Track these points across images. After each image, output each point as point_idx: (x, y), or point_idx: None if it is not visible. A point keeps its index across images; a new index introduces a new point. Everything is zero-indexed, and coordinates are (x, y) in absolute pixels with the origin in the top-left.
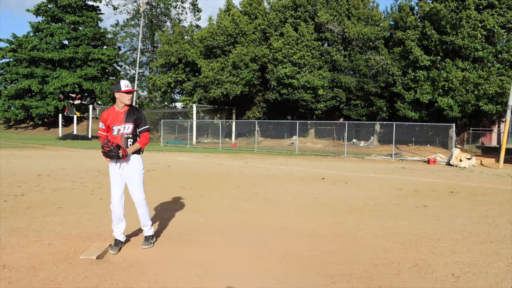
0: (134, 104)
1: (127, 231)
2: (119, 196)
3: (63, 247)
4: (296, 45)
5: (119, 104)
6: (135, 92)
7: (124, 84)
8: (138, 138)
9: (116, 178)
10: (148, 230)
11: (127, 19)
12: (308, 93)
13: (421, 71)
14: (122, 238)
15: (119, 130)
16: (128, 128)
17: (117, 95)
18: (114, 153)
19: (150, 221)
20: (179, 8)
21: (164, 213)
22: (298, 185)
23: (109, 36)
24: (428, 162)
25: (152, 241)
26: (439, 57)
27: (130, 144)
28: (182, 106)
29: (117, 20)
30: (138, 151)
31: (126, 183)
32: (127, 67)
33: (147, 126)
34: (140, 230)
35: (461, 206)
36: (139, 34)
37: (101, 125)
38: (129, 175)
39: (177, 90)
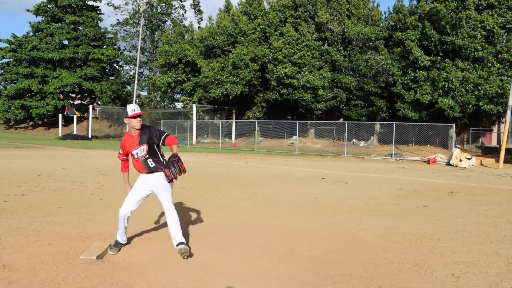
0: (135, 103)
1: (128, 232)
2: (134, 208)
3: (63, 247)
4: (296, 45)
5: (131, 129)
6: (135, 93)
7: (131, 109)
8: (159, 153)
9: (141, 190)
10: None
11: (127, 18)
12: (308, 93)
13: (421, 71)
14: (123, 241)
15: (137, 153)
16: (143, 149)
17: (126, 121)
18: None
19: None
20: (180, 8)
21: (164, 213)
22: (298, 185)
23: (109, 36)
24: (428, 162)
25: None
26: (439, 57)
27: (151, 165)
28: (182, 106)
29: (118, 20)
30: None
31: (157, 194)
32: (127, 67)
33: (166, 132)
34: (143, 231)
35: (461, 206)
36: (139, 33)
37: (120, 150)
38: (160, 187)
39: (177, 90)
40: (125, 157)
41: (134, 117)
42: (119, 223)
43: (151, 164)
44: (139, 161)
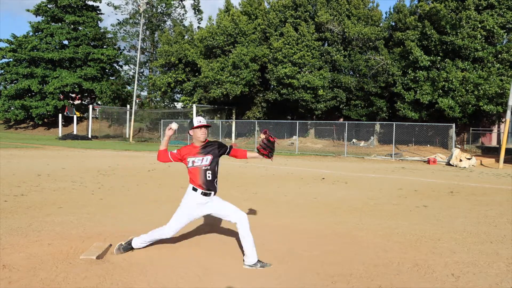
0: (135, 105)
1: (127, 232)
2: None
3: (63, 247)
4: (296, 45)
5: (195, 141)
6: (135, 93)
7: (197, 120)
8: (217, 170)
9: (192, 217)
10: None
11: (127, 18)
12: (308, 93)
13: (421, 71)
14: (136, 247)
15: (195, 162)
16: (207, 160)
17: (191, 132)
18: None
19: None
20: (180, 8)
21: (164, 213)
22: (298, 185)
23: (109, 35)
24: (428, 162)
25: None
26: (439, 57)
27: (208, 177)
28: (182, 106)
29: (118, 20)
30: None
31: (218, 215)
32: (127, 67)
33: (229, 145)
34: (143, 232)
35: (461, 206)
36: (139, 33)
37: (174, 150)
38: (217, 206)
39: (177, 90)
40: (171, 160)
41: (199, 127)
42: (152, 237)
43: (208, 177)
44: (198, 169)
